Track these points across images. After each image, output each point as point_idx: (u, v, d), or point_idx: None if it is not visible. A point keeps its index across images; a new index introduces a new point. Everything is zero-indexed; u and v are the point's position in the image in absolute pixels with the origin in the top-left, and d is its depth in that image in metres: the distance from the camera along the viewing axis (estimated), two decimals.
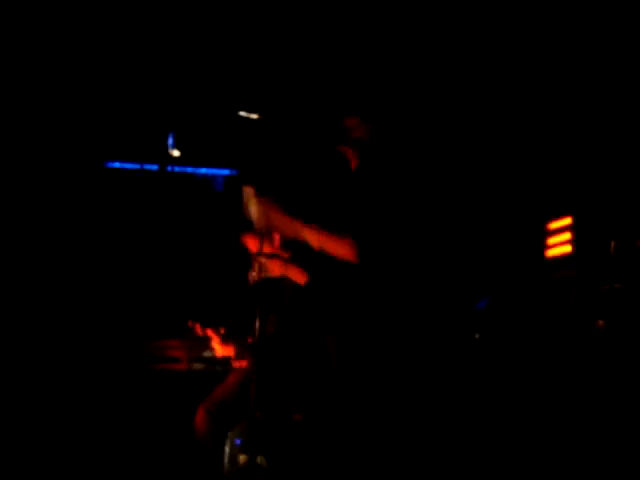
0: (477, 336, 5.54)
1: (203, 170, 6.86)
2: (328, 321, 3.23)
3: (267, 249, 4.06)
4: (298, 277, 3.43)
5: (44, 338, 5.83)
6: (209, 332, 4.20)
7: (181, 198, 6.80)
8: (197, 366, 5.69)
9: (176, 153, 6.47)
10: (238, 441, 4.12)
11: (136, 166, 6.79)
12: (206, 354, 5.59)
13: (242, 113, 3.38)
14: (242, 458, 3.38)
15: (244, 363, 4.21)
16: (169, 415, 5.38)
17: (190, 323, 4.24)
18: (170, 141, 6.31)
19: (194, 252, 6.57)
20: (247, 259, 4.34)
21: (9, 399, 5.36)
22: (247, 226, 4.27)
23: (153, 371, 5.72)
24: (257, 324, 3.56)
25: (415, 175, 3.28)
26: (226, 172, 6.89)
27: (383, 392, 3.06)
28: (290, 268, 3.46)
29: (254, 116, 3.39)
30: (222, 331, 4.19)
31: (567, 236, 5.50)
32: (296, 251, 4.02)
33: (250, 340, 4.23)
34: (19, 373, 5.55)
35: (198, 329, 4.22)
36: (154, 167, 6.79)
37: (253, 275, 3.44)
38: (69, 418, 5.38)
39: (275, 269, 3.47)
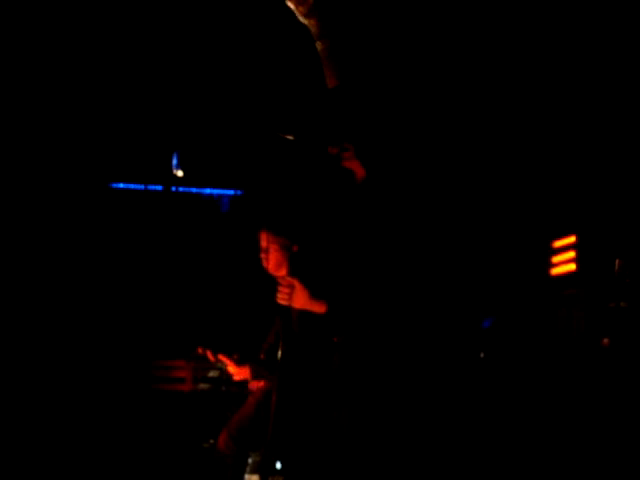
0: (482, 355, 5.53)
1: (207, 190, 6.88)
2: (336, 341, 3.22)
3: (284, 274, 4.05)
4: (319, 309, 3.38)
5: (51, 357, 5.83)
6: (221, 357, 4.18)
7: (186, 218, 6.81)
8: (202, 386, 5.67)
9: (180, 173, 6.49)
10: None
11: (140, 187, 6.82)
12: (211, 374, 5.58)
13: (278, 134, 3.37)
14: (254, 479, 3.38)
15: (261, 384, 4.19)
16: (174, 435, 5.37)
17: (201, 350, 4.22)
18: (174, 161, 6.33)
19: (199, 272, 6.57)
20: (250, 279, 4.32)
21: (15, 418, 5.36)
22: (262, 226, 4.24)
23: (158, 391, 5.71)
24: (280, 344, 3.51)
25: (418, 190, 3.29)
26: (231, 192, 6.90)
27: (389, 412, 3.05)
28: (314, 301, 3.40)
29: (289, 137, 3.38)
30: (235, 356, 4.16)
31: (571, 254, 5.51)
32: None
33: (262, 356, 4.22)
34: (26, 393, 5.56)
35: (210, 355, 4.20)
36: (158, 188, 6.81)
37: (280, 298, 3.36)
38: (74, 438, 5.37)
39: (299, 300, 3.40)
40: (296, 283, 3.34)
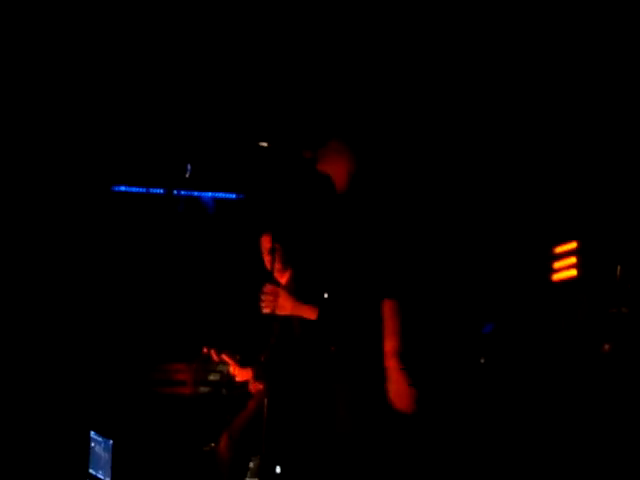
0: (482, 360, 5.54)
1: (208, 194, 6.90)
2: (339, 350, 3.21)
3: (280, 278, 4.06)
4: (309, 314, 3.40)
5: (52, 360, 5.84)
6: (224, 357, 4.19)
7: (187, 221, 6.82)
8: (203, 389, 5.68)
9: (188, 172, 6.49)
10: None
11: (142, 190, 6.83)
12: (212, 378, 5.59)
13: (255, 142, 3.39)
14: None
15: (262, 386, 4.20)
16: (175, 438, 5.37)
17: (205, 349, 4.23)
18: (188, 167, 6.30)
19: (200, 275, 6.57)
20: (252, 284, 4.32)
21: (15, 419, 5.37)
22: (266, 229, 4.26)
23: (159, 395, 5.72)
24: (268, 352, 3.53)
25: (415, 198, 3.29)
26: (232, 196, 6.91)
27: (390, 418, 3.05)
28: (300, 307, 3.42)
29: (264, 144, 3.40)
30: (238, 357, 4.18)
31: (573, 260, 5.52)
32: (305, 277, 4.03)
33: (262, 358, 4.23)
34: (27, 395, 5.56)
35: (213, 355, 4.22)
36: (159, 191, 6.83)
37: (264, 306, 3.39)
38: (75, 440, 5.38)
39: (286, 307, 3.42)
40: (280, 291, 3.38)
